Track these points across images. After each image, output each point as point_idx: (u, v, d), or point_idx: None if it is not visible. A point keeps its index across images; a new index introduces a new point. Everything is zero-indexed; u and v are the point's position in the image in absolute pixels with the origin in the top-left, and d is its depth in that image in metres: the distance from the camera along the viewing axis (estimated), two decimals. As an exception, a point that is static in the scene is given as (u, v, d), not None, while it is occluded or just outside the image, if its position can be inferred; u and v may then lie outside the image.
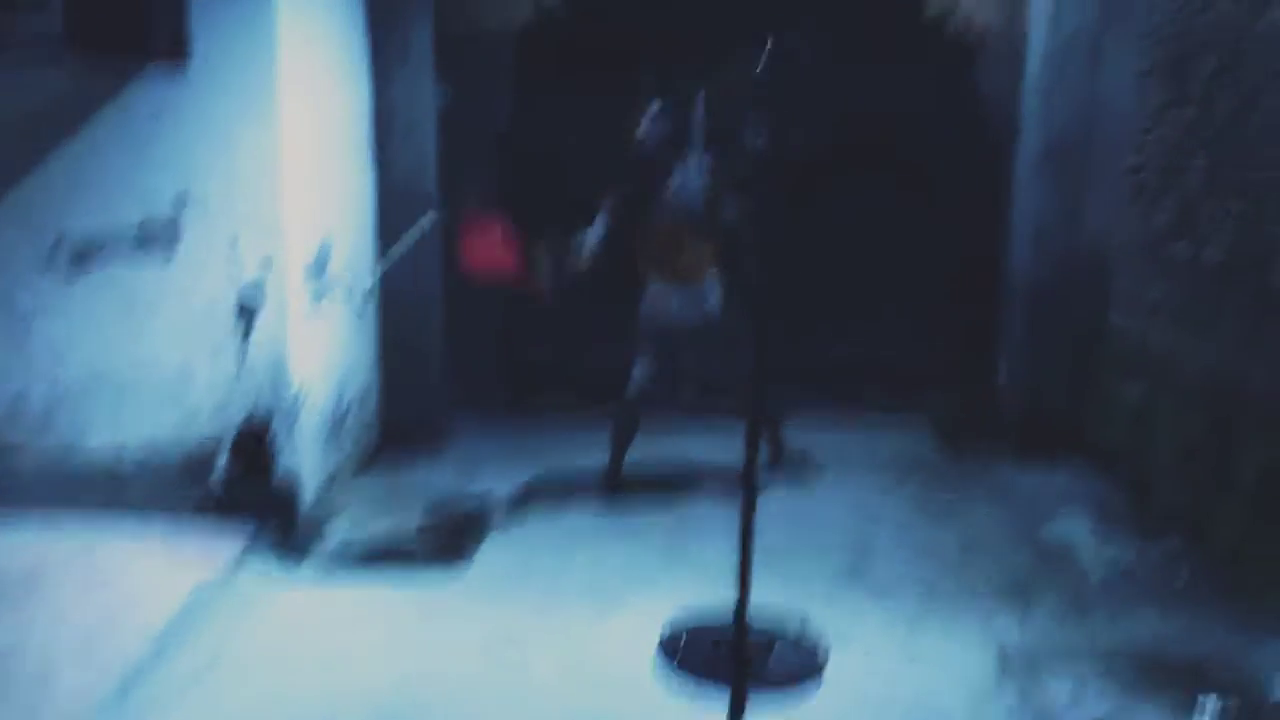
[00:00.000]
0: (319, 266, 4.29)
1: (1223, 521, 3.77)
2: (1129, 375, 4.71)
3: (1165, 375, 4.37)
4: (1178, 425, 4.20)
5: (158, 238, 3.86)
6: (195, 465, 4.00)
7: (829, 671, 3.07)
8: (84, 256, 3.87)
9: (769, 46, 2.56)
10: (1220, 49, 4.02)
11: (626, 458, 4.68)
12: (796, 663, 3.11)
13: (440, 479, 4.79)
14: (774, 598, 3.50)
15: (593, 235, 4.35)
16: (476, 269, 3.93)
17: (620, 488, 4.61)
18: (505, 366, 6.04)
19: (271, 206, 3.88)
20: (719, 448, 5.14)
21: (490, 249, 3.88)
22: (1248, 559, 3.57)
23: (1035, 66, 5.15)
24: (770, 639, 3.21)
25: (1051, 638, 3.30)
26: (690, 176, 4.45)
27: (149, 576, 3.56)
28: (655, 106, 4.28)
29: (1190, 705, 2.86)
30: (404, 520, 4.23)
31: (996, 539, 4.13)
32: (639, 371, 4.56)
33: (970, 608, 3.51)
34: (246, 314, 3.92)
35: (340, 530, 4.10)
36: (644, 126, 4.28)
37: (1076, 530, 4.20)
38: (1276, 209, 3.60)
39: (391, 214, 5.02)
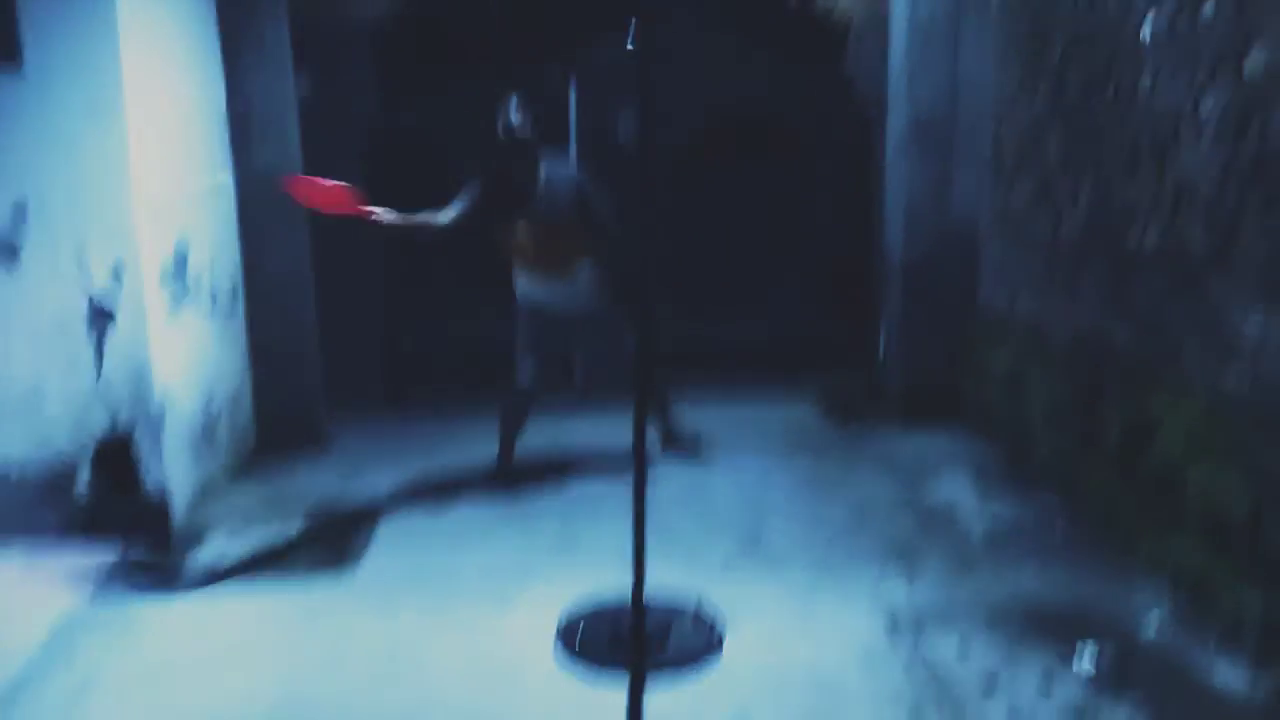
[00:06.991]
0: (177, 268, 4.09)
1: (1092, 477, 3.94)
2: (999, 344, 4.87)
3: (1033, 342, 4.54)
4: (1047, 388, 4.36)
5: (-2, 249, 3.64)
6: (56, 483, 3.81)
7: (727, 647, 3.08)
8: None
9: (635, 31, 2.53)
10: (1068, 30, 4.17)
11: (516, 447, 4.63)
12: (694, 641, 3.12)
13: (322, 480, 4.62)
14: (670, 577, 3.50)
15: (444, 215, 4.26)
16: (312, 202, 4.18)
17: (510, 478, 4.54)
18: (385, 360, 5.89)
19: (120, 210, 3.71)
20: (608, 432, 5.12)
21: (324, 192, 4.12)
22: (1117, 511, 3.74)
23: (899, 49, 5.25)
24: (668, 619, 3.20)
25: (938, 597, 3.39)
26: (557, 169, 4.37)
27: (12, 602, 3.38)
28: (514, 100, 4.18)
29: (1071, 653, 2.98)
30: (285, 526, 4.07)
31: (883, 505, 4.23)
32: (521, 362, 4.50)
33: (860, 573, 3.58)
34: (100, 322, 3.72)
35: (217, 541, 3.92)
36: (505, 121, 4.18)
37: (958, 493, 4.34)
38: (1127, 182, 3.77)
39: (254, 210, 4.84)
